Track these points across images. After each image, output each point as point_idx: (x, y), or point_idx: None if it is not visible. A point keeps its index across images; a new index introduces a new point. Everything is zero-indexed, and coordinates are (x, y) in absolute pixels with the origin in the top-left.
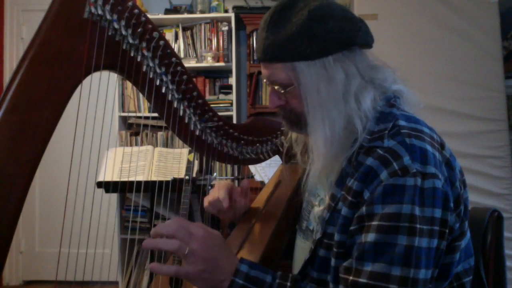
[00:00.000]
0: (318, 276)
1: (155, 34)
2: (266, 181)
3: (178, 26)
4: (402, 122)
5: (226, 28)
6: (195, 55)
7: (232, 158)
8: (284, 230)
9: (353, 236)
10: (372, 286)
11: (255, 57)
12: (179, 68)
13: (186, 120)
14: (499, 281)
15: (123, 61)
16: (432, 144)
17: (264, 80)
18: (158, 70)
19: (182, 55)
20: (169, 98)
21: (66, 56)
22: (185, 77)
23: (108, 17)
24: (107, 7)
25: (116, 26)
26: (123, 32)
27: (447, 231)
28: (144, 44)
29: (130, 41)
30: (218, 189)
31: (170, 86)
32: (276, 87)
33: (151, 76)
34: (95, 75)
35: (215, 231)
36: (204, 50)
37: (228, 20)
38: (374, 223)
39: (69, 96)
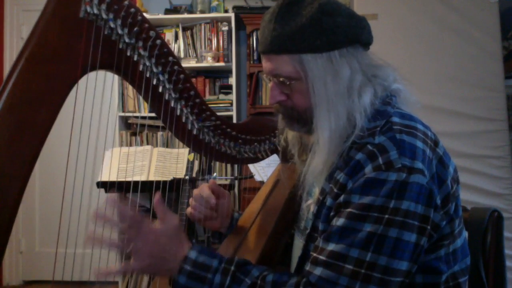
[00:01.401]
0: None
1: (152, 33)
2: (265, 180)
3: (178, 26)
4: (395, 119)
5: (226, 28)
6: (195, 55)
7: (230, 157)
8: (283, 231)
9: (330, 223)
10: (330, 263)
11: (255, 57)
12: (176, 67)
13: (184, 120)
14: (499, 281)
15: (120, 60)
16: (424, 140)
17: (264, 76)
18: (154, 70)
19: (182, 55)
20: (166, 97)
21: (62, 55)
22: (182, 76)
23: (104, 16)
24: (103, 6)
25: (112, 25)
26: (119, 31)
27: (428, 227)
28: (140, 43)
29: (127, 40)
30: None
31: (167, 86)
32: (281, 79)
33: (147, 75)
34: (96, 75)
35: (168, 224)
36: (204, 50)
37: (228, 20)
38: (347, 210)
39: (65, 96)
